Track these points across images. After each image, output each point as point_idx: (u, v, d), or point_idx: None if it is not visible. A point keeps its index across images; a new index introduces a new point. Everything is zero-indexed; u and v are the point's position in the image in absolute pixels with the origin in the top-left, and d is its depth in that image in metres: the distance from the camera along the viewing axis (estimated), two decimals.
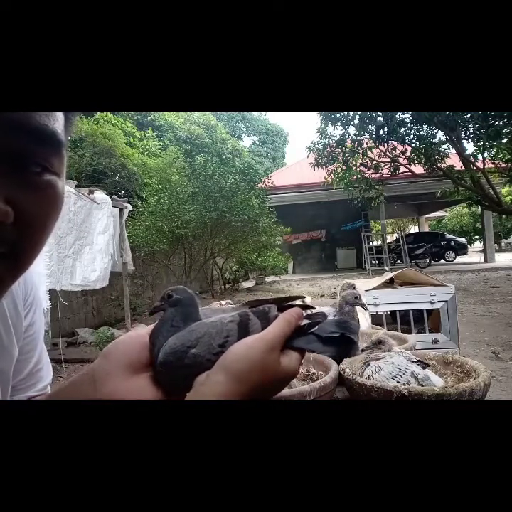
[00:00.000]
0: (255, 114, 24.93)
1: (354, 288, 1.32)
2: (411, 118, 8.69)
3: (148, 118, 12.60)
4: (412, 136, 9.06)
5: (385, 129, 8.92)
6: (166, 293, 0.46)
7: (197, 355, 0.40)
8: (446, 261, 17.21)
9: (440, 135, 9.12)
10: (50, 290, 3.76)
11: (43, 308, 0.55)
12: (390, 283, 2.76)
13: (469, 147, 8.65)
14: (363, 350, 1.03)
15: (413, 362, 0.92)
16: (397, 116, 8.65)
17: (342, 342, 1.08)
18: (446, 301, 2.34)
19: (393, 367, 0.90)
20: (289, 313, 0.42)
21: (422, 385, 0.84)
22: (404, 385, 0.83)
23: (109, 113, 9.09)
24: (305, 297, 1.67)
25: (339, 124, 9.42)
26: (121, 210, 4.97)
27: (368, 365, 0.95)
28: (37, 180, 0.34)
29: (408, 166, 9.49)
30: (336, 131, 9.73)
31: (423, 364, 0.93)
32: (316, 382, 0.85)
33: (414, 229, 25.68)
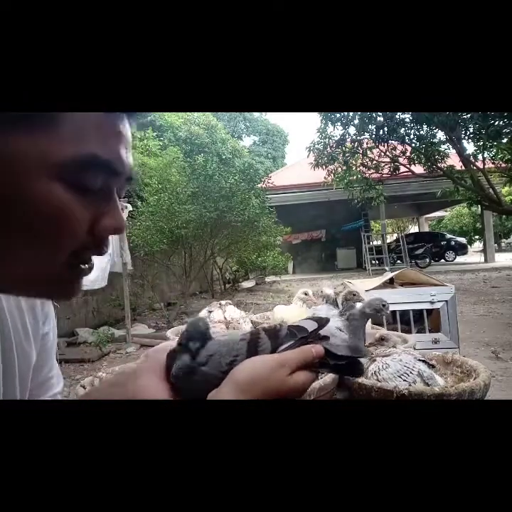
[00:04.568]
0: (255, 114, 24.92)
1: (355, 295, 1.30)
2: (411, 118, 8.68)
3: (149, 118, 12.59)
4: (412, 136, 9.06)
5: (385, 129, 8.92)
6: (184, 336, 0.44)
7: (206, 373, 0.41)
8: (446, 261, 17.20)
9: (440, 135, 9.12)
10: None
11: (54, 318, 0.59)
12: (390, 283, 2.76)
13: (469, 147, 8.66)
14: (366, 347, 1.03)
15: (419, 360, 0.92)
16: (397, 116, 8.65)
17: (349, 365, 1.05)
18: (446, 301, 2.34)
19: (401, 365, 0.89)
20: (308, 347, 0.42)
21: (428, 384, 0.84)
22: (410, 384, 0.83)
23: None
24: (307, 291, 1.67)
25: (339, 124, 9.42)
26: (121, 209, 4.97)
27: (374, 361, 0.94)
28: None
29: (408, 166, 9.49)
30: (336, 131, 9.74)
31: (429, 364, 0.93)
32: (316, 382, 0.85)
33: (414, 229, 25.67)
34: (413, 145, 9.08)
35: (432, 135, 9.17)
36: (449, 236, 18.49)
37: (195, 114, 14.03)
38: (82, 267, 0.41)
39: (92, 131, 0.36)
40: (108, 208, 0.40)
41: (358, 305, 1.22)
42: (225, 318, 1.77)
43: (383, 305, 1.09)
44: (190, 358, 0.42)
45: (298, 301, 1.66)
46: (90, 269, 0.41)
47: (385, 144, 9.31)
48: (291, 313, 1.63)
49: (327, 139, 9.80)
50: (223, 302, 1.95)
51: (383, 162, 9.80)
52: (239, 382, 0.39)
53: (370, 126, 9.20)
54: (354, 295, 1.18)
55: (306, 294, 1.63)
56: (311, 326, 0.44)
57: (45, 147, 0.34)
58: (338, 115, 9.17)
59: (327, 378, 0.88)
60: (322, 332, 0.45)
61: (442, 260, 17.28)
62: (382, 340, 1.01)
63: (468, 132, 8.23)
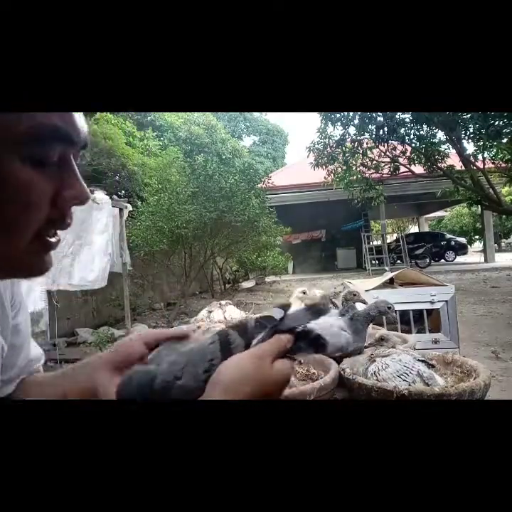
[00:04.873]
0: (256, 114, 24.91)
1: (356, 295, 1.29)
2: (411, 118, 8.68)
3: (149, 118, 12.58)
4: (412, 136, 9.05)
5: (385, 129, 8.91)
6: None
7: (183, 386, 0.40)
8: (446, 261, 17.19)
9: (440, 135, 9.12)
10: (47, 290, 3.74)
11: (28, 309, 0.60)
12: (390, 283, 2.76)
13: (469, 147, 8.66)
14: (365, 347, 1.03)
15: (419, 360, 0.91)
16: (397, 116, 8.64)
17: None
18: (446, 301, 2.33)
19: (401, 365, 0.89)
20: (277, 336, 0.43)
21: (428, 384, 0.84)
22: (410, 384, 0.83)
23: (109, 113, 9.08)
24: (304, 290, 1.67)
25: (339, 124, 9.41)
26: (121, 210, 4.96)
27: (374, 361, 0.94)
28: None
29: (408, 166, 9.49)
30: (335, 131, 9.73)
31: (428, 364, 0.92)
32: (316, 382, 0.85)
33: (414, 229, 25.66)
34: (413, 145, 9.08)
35: (432, 135, 9.16)
36: (449, 236, 18.48)
37: (195, 114, 14.02)
38: (49, 240, 0.41)
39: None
40: (68, 179, 0.39)
41: (359, 305, 1.22)
42: (225, 318, 1.77)
43: (388, 307, 1.09)
44: (163, 376, 0.41)
45: (296, 301, 1.66)
46: (57, 242, 0.41)
47: (385, 144, 9.30)
48: None
49: (327, 139, 9.79)
50: (223, 302, 1.94)
51: (383, 162, 9.80)
52: (226, 385, 0.38)
53: (370, 126, 9.19)
54: (354, 295, 1.18)
55: (304, 293, 1.63)
56: (278, 314, 0.44)
57: (4, 123, 0.33)
58: (338, 115, 9.16)
59: (327, 378, 0.88)
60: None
61: (442, 260, 17.27)
62: (382, 340, 1.01)
63: (468, 132, 8.21)
